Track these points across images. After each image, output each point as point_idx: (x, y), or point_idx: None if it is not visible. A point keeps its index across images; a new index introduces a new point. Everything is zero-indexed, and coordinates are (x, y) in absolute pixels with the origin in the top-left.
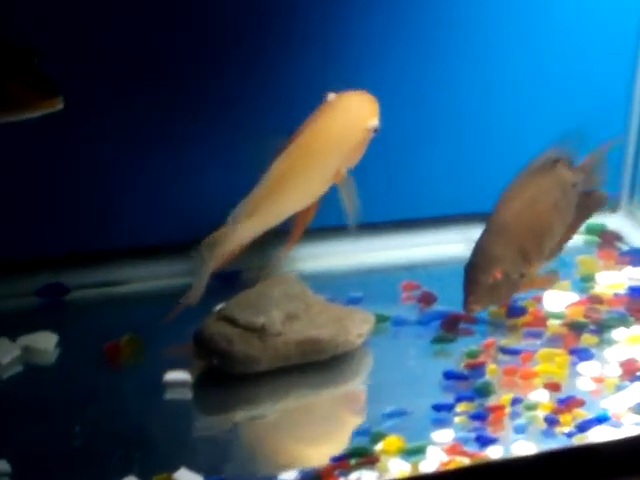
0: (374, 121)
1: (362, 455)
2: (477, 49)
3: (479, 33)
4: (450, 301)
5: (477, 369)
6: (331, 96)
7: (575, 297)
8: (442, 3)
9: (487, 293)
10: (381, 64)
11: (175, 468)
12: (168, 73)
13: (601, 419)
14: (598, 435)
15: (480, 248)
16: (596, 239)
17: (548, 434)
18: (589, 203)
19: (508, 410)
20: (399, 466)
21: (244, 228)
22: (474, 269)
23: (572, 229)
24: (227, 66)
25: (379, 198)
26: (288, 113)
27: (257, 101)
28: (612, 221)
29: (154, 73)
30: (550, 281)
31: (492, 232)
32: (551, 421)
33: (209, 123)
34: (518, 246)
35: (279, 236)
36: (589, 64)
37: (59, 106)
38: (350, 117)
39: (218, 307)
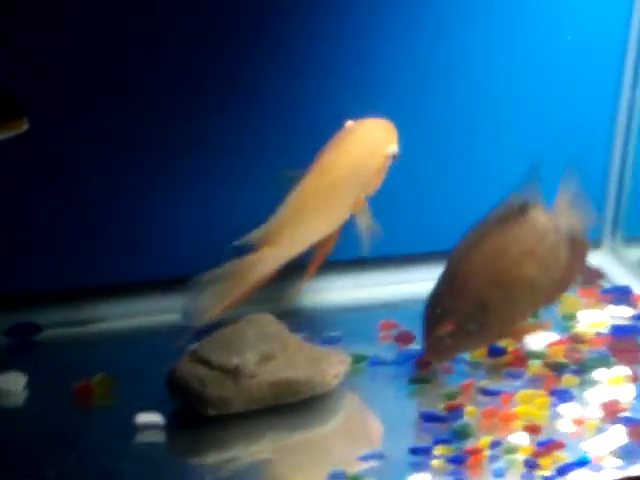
0: (393, 147)
1: None
2: (461, 80)
3: (463, 64)
4: None
5: (455, 411)
6: (349, 124)
7: (556, 336)
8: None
9: (441, 344)
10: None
11: None
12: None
13: (581, 462)
14: (578, 479)
15: (433, 298)
16: (578, 277)
17: (527, 478)
18: (576, 249)
19: (487, 453)
20: None
21: (268, 257)
22: (426, 320)
23: (568, 276)
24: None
25: (357, 235)
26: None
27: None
28: (594, 258)
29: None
30: (541, 328)
31: (446, 283)
32: (531, 464)
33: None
34: (475, 299)
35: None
36: (572, 95)
37: (24, 127)
38: (370, 144)
39: (192, 347)
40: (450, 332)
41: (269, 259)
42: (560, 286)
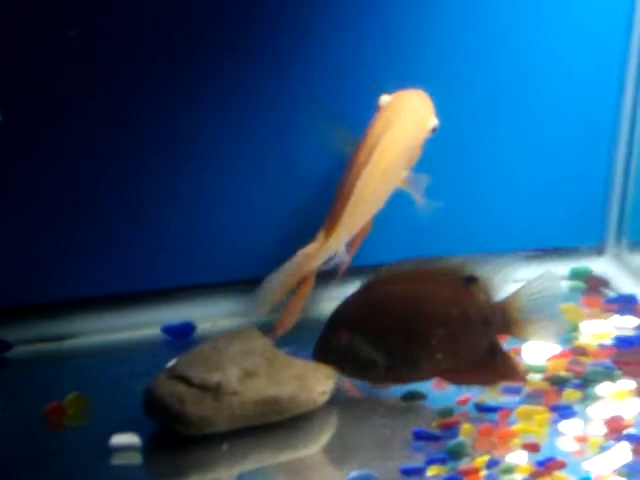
0: (435, 120)
1: None
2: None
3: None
4: None
5: (450, 428)
6: (385, 98)
7: (557, 349)
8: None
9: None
10: None
11: None
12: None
13: None
14: None
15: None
16: (581, 285)
17: None
18: (498, 366)
19: (483, 473)
20: None
21: (329, 246)
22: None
23: (485, 370)
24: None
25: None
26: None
27: None
28: (598, 265)
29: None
30: None
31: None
32: None
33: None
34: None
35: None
36: (575, 103)
37: None
38: (416, 120)
39: (170, 364)
40: (340, 343)
41: (330, 248)
42: (476, 375)
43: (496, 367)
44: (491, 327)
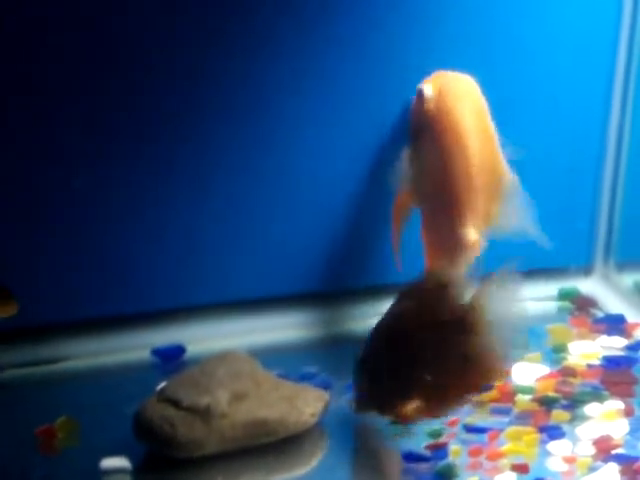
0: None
1: None
2: None
3: None
4: None
5: (439, 450)
6: (428, 89)
7: (546, 369)
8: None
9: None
10: None
11: None
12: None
13: None
14: None
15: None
16: (569, 305)
17: None
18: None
19: None
20: None
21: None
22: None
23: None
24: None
25: (338, 265)
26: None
27: None
28: (586, 285)
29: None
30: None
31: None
32: None
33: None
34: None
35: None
36: (562, 120)
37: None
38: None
39: (159, 386)
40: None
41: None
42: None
43: (476, 369)
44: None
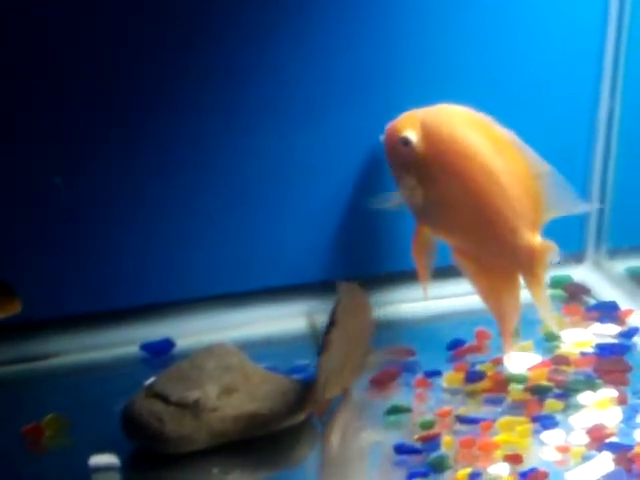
0: None
1: None
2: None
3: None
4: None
5: (431, 441)
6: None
7: (538, 358)
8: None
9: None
10: None
11: None
12: None
13: None
14: None
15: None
16: (561, 293)
17: None
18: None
19: None
20: None
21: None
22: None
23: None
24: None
25: (327, 258)
26: None
27: None
28: (578, 273)
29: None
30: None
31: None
32: None
33: None
34: None
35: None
36: (551, 106)
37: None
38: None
39: (148, 382)
40: None
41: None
42: None
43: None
44: None
